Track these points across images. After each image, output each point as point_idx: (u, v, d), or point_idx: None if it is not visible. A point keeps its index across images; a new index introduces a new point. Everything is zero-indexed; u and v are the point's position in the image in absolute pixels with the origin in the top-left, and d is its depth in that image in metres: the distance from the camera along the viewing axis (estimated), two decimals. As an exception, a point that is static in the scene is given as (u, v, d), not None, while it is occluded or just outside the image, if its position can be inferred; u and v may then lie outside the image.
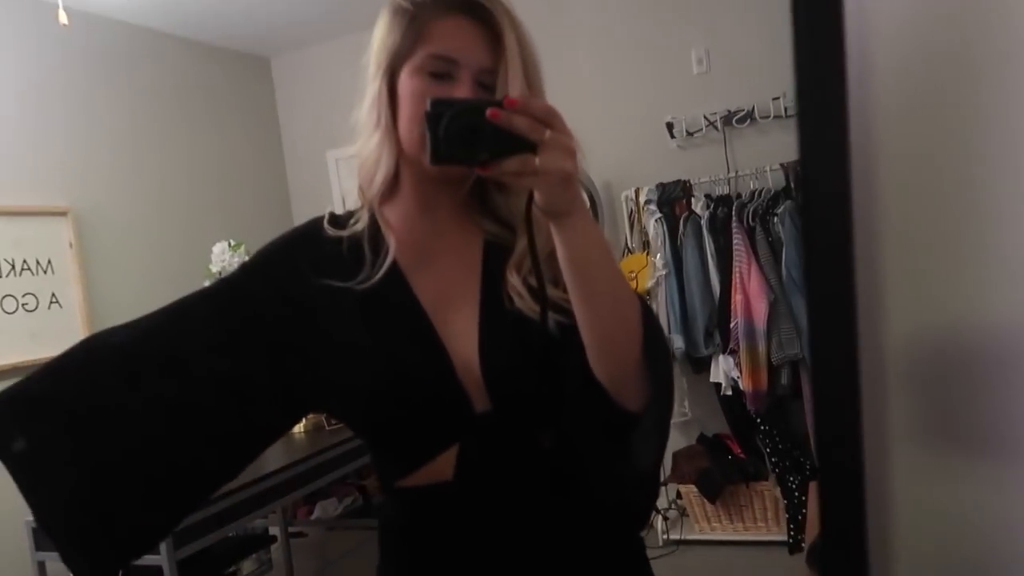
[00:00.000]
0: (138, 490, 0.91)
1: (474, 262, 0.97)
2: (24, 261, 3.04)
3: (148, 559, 2.15)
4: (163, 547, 2.12)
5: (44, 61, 3.24)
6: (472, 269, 0.96)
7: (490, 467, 0.92)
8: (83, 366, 0.94)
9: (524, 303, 0.91)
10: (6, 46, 3.10)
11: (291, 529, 3.18)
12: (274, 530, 3.08)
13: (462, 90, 0.88)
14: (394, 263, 0.95)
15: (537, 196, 0.75)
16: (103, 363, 0.94)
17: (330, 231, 0.98)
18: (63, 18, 2.47)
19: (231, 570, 2.76)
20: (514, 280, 0.92)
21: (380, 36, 0.94)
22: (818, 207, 0.52)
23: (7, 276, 2.97)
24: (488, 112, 0.69)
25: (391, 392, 0.92)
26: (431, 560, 0.97)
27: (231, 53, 4.24)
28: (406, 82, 0.91)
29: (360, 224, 0.98)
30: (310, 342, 0.95)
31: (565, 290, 0.83)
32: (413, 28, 0.90)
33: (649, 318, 0.87)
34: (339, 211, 1.03)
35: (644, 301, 0.87)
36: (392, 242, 0.95)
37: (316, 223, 1.01)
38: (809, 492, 2.84)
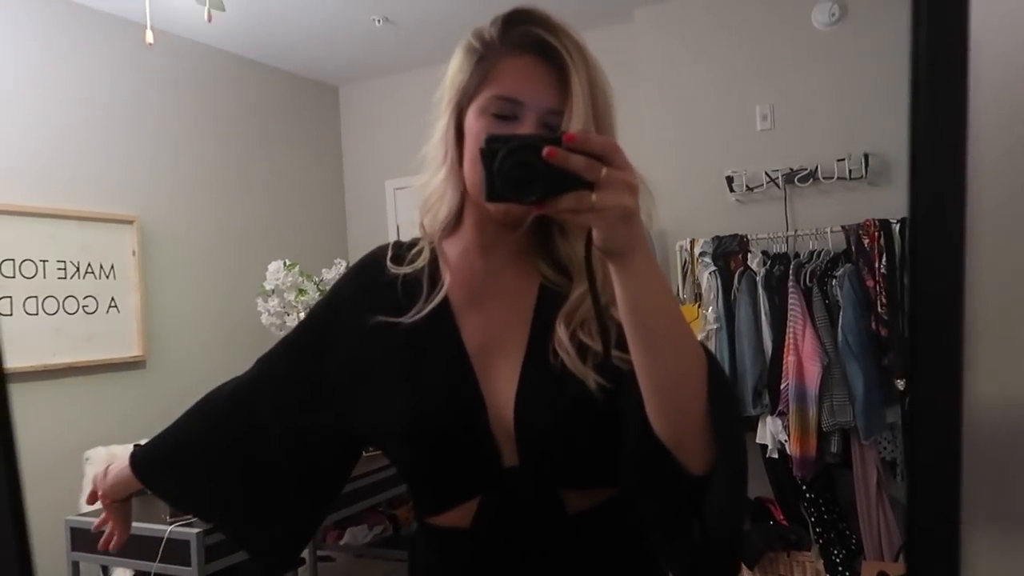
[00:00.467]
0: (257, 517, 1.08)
1: (527, 307, 0.95)
2: (89, 265, 3.13)
3: (180, 571, 2.15)
4: (193, 558, 2.12)
5: (126, 76, 3.38)
6: (523, 315, 0.95)
7: (509, 523, 0.91)
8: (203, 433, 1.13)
9: (569, 361, 0.88)
10: (94, 61, 3.24)
11: (319, 553, 3.16)
12: (303, 552, 3.06)
13: (525, 131, 0.88)
14: (446, 300, 0.95)
15: (595, 235, 0.71)
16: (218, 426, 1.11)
17: (392, 268, 0.99)
18: (149, 38, 2.58)
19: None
20: (562, 333, 0.90)
21: (451, 73, 0.95)
22: (929, 270, 0.49)
23: (71, 278, 3.06)
24: (545, 150, 0.67)
25: (423, 435, 0.92)
26: None
27: (301, 80, 4.37)
28: (471, 123, 0.91)
29: (422, 260, 0.99)
30: (357, 373, 0.97)
31: (620, 347, 0.80)
32: (480, 68, 0.91)
33: (715, 370, 0.81)
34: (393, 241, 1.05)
35: (710, 352, 0.82)
36: (447, 278, 0.95)
37: (379, 255, 1.04)
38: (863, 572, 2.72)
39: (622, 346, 0.79)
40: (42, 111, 3.04)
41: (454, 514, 0.93)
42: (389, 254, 1.01)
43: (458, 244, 0.98)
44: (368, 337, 0.96)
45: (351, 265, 1.07)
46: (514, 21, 0.92)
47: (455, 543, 0.93)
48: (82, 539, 2.33)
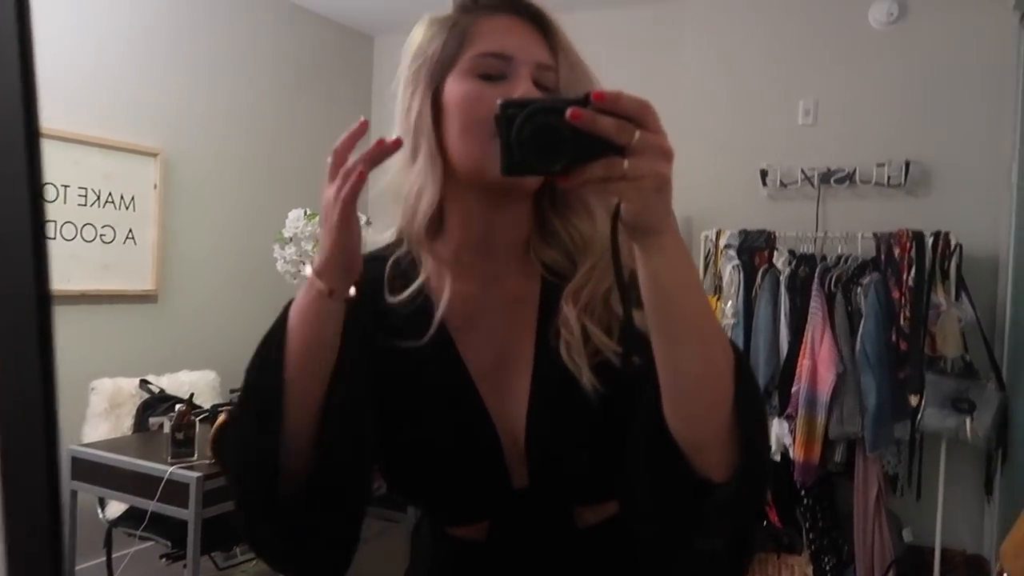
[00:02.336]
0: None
1: (530, 313, 0.86)
2: (110, 194, 3.11)
3: (177, 512, 2.16)
4: (192, 501, 2.13)
5: (163, 9, 3.32)
6: (528, 322, 0.86)
7: (522, 540, 0.87)
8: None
9: (575, 350, 0.79)
10: (131, -15, 3.17)
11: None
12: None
13: (521, 89, 0.78)
14: (443, 322, 0.84)
15: (624, 208, 0.62)
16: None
17: (390, 299, 0.85)
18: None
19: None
20: (569, 314, 0.81)
21: (418, 46, 0.84)
22: None
23: (91, 206, 3.04)
24: (568, 112, 0.58)
25: (431, 469, 0.86)
26: None
27: (337, 26, 4.28)
28: (453, 90, 0.80)
29: (416, 278, 0.86)
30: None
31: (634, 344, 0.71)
32: (456, 32, 0.82)
33: (743, 366, 0.73)
34: None
35: (737, 348, 0.74)
36: (444, 300, 0.84)
37: (371, 273, 0.87)
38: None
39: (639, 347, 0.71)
40: (78, 37, 2.99)
41: (465, 529, 0.89)
42: (390, 274, 0.87)
43: (446, 248, 0.86)
44: (380, 359, 0.85)
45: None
46: None
47: (468, 553, 0.90)
48: (82, 468, 2.34)
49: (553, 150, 0.59)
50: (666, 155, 0.61)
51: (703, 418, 0.70)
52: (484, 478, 0.85)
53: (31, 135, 0.40)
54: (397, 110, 0.86)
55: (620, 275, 0.67)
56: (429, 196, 0.82)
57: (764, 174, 3.37)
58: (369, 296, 0.85)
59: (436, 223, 0.85)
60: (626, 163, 0.59)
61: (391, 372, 0.85)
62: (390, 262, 0.89)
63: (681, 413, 0.70)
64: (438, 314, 0.84)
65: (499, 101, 0.61)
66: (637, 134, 0.59)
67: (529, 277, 0.87)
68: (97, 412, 2.72)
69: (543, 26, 0.82)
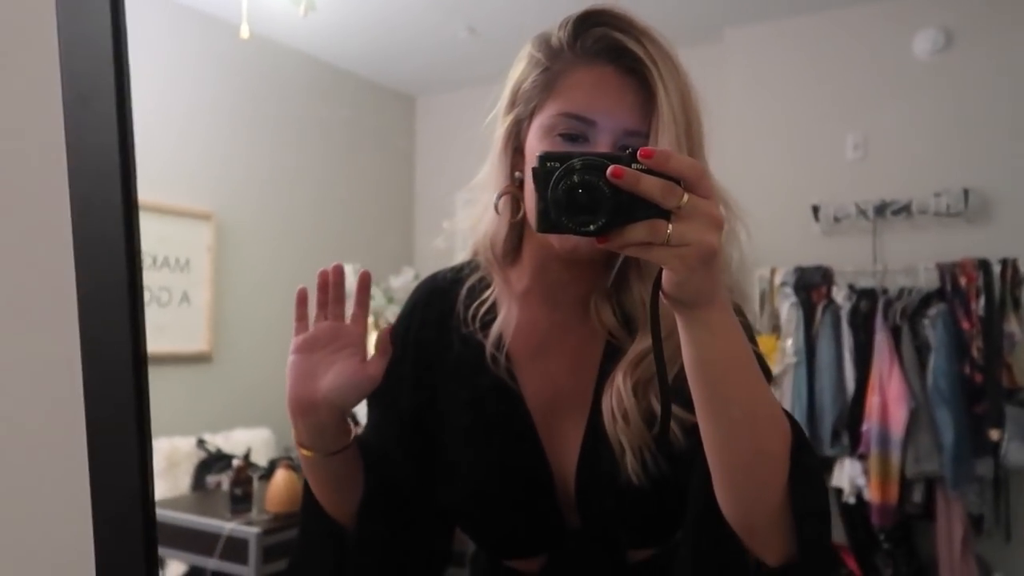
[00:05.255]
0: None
1: (592, 364, 0.83)
2: (165, 257, 3.17)
3: (239, 570, 2.12)
4: (252, 557, 2.09)
5: (213, 75, 3.44)
6: (589, 372, 0.83)
7: (575, 573, 0.86)
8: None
9: (623, 426, 0.76)
10: (185, 58, 3.30)
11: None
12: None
13: None
14: (508, 353, 0.84)
15: (665, 277, 0.58)
16: None
17: (464, 329, 0.86)
18: (244, 33, 2.60)
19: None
20: (621, 386, 0.77)
21: (512, 82, 0.82)
22: None
23: (148, 269, 3.10)
24: (610, 170, 0.54)
25: (488, 501, 0.85)
26: None
27: (380, 88, 4.39)
28: (533, 145, 0.77)
29: (483, 309, 0.85)
30: (422, 429, 0.88)
31: (688, 408, 0.66)
32: (545, 78, 0.77)
33: (802, 449, 0.67)
34: (459, 255, 0.92)
35: (798, 427, 0.69)
36: (509, 330, 0.84)
37: (430, 295, 0.91)
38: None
39: (687, 407, 0.66)
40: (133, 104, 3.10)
41: (520, 562, 0.88)
42: (460, 304, 0.87)
43: (517, 284, 0.85)
44: (434, 400, 0.86)
45: (409, 305, 0.93)
46: (588, 22, 0.76)
47: None
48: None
49: (590, 210, 0.55)
50: (716, 223, 0.56)
51: (755, 500, 0.66)
52: (538, 516, 0.84)
53: (128, 205, 0.40)
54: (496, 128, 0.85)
55: (659, 348, 0.63)
56: (504, 233, 0.83)
57: (816, 210, 3.31)
58: (433, 325, 0.88)
59: (512, 254, 0.84)
60: (670, 228, 0.55)
61: (454, 401, 0.85)
62: (464, 289, 0.88)
63: (731, 494, 0.66)
64: (504, 345, 0.83)
65: (538, 154, 0.58)
66: (685, 198, 0.55)
67: (595, 332, 0.84)
68: (155, 472, 2.71)
69: (646, 80, 0.73)
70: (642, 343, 0.78)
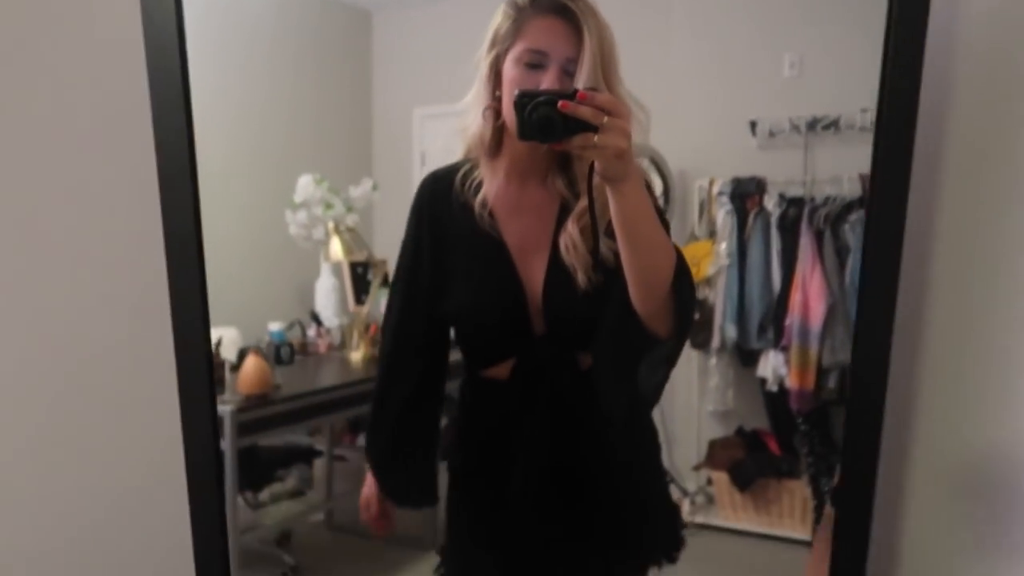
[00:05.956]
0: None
1: (551, 217, 1.29)
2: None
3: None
4: (227, 433, 2.27)
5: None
6: (549, 223, 1.28)
7: (537, 377, 1.24)
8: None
9: (575, 254, 1.21)
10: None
11: (335, 452, 3.33)
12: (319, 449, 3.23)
13: (549, 77, 1.17)
14: (492, 212, 1.29)
15: (596, 166, 1.01)
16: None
17: (461, 198, 1.31)
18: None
19: (279, 474, 2.93)
20: (572, 230, 1.23)
21: (493, 28, 1.25)
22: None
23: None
24: (559, 103, 0.95)
25: (477, 310, 1.28)
26: (484, 432, 1.33)
27: (336, 3, 4.40)
28: (509, 69, 1.23)
29: (475, 186, 1.29)
30: (439, 275, 1.31)
31: (613, 238, 1.09)
32: (514, 26, 1.23)
33: (682, 265, 1.15)
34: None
35: (681, 254, 1.17)
36: (493, 196, 1.29)
37: (440, 186, 1.35)
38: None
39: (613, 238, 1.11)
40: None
41: (496, 370, 1.27)
42: (457, 184, 1.32)
43: (499, 168, 1.30)
44: (445, 249, 1.30)
45: (417, 199, 1.38)
46: None
47: (496, 391, 1.28)
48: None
49: (550, 128, 0.97)
50: (625, 134, 0.98)
51: (654, 297, 1.13)
52: (514, 323, 1.25)
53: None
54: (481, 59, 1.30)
55: (592, 208, 1.10)
56: (490, 130, 1.28)
57: (753, 125, 3.51)
58: (440, 201, 1.34)
59: (495, 149, 1.28)
60: (596, 138, 0.96)
61: (458, 250, 1.29)
62: (460, 174, 1.33)
63: (640, 294, 1.13)
64: (489, 202, 1.31)
65: (516, 92, 1.00)
66: (606, 119, 0.96)
67: (553, 196, 1.30)
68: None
69: (577, 27, 1.18)
70: (584, 202, 1.20)
